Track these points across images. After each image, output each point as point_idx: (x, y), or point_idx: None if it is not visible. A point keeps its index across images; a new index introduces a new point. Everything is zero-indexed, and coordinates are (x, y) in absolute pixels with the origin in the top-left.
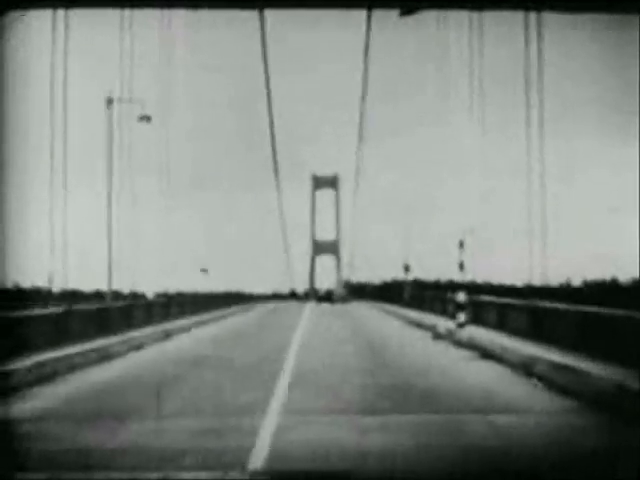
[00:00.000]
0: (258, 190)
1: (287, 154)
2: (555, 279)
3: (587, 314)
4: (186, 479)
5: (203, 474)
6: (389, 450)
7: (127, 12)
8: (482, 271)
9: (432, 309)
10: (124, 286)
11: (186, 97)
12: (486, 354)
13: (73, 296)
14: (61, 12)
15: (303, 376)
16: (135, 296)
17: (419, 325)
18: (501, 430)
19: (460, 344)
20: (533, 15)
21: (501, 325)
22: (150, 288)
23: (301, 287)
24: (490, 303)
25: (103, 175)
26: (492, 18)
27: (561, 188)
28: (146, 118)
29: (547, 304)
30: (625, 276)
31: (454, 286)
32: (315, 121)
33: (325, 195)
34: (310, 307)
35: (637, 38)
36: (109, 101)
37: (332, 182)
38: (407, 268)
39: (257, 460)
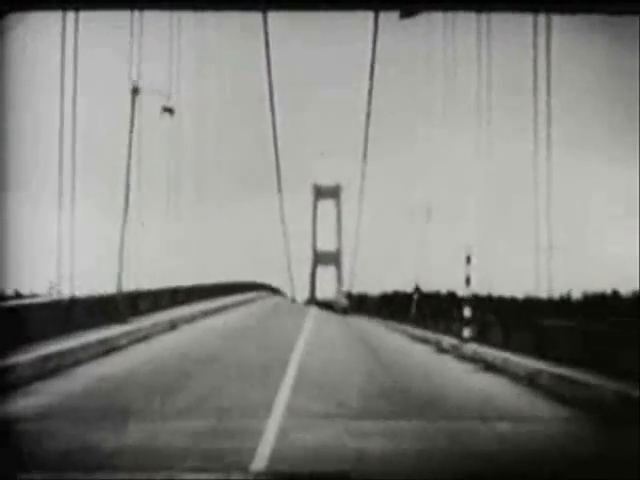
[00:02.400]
0: (260, 200)
1: (290, 163)
2: (557, 291)
3: (591, 332)
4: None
5: (206, 475)
6: (389, 454)
7: (130, 15)
8: (484, 283)
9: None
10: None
11: (190, 104)
12: (489, 367)
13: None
14: (63, 14)
15: None
16: None
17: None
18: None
19: (464, 358)
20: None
21: (507, 345)
22: None
23: (302, 297)
24: (495, 322)
25: (104, 182)
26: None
27: (567, 199)
28: (169, 110)
29: (553, 322)
30: (626, 288)
31: (458, 300)
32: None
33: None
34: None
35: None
36: (134, 90)
37: (334, 192)
38: (417, 289)
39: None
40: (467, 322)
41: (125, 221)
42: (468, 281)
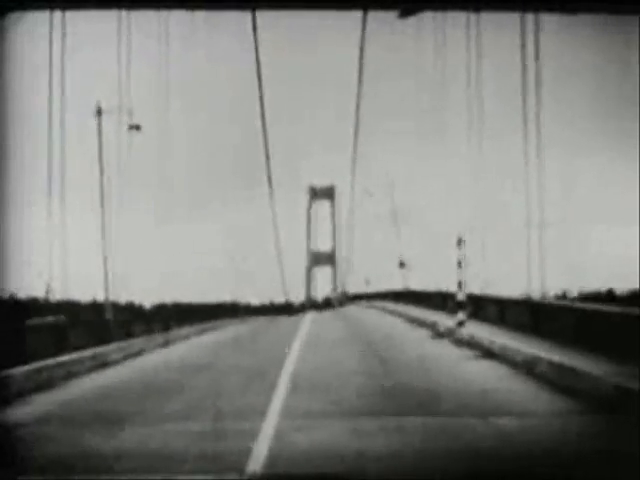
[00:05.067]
0: (253, 201)
1: (284, 164)
2: (552, 291)
3: (585, 311)
4: None
5: (202, 477)
6: (388, 452)
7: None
8: (480, 283)
9: (430, 305)
10: (120, 297)
11: (181, 103)
12: (487, 353)
13: (69, 307)
14: (60, 14)
15: None
16: (132, 307)
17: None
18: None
19: (460, 342)
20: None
21: (501, 321)
22: (147, 299)
23: (297, 298)
24: (490, 299)
25: (98, 184)
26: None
27: (559, 199)
28: (135, 127)
29: (545, 301)
30: (621, 288)
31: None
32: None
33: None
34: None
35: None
36: (98, 112)
37: (328, 193)
38: (402, 264)
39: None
40: (461, 305)
41: (104, 235)
42: (460, 264)
